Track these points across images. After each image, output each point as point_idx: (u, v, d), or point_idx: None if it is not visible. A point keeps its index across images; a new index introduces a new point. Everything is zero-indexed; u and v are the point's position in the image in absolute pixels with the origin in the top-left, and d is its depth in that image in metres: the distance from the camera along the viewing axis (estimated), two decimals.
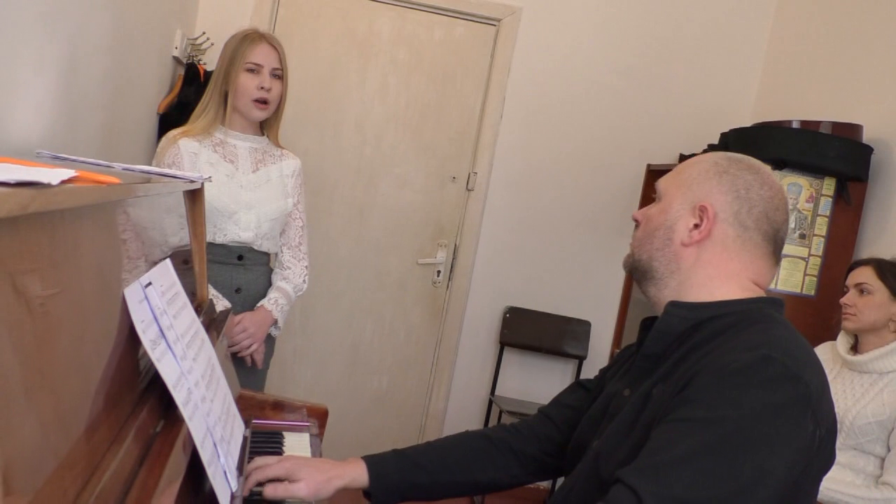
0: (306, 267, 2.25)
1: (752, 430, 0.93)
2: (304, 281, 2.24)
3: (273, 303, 2.14)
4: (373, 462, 1.29)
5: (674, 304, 1.12)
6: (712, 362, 0.99)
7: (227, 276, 2.11)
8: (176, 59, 3.01)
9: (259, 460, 1.26)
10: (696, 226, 1.11)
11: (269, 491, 1.19)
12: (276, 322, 2.15)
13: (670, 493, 0.91)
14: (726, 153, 1.17)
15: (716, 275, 1.12)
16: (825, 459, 1.03)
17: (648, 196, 3.48)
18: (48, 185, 0.64)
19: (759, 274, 1.13)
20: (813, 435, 0.97)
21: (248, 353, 2.10)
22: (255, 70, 2.09)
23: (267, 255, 2.21)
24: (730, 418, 0.93)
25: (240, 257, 2.13)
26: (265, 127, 2.21)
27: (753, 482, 0.92)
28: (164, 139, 2.15)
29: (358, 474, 1.27)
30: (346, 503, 1.27)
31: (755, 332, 1.03)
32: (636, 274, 1.20)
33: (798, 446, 0.95)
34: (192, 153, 2.08)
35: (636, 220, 1.21)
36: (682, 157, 3.41)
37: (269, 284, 2.21)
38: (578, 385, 1.41)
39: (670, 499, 0.90)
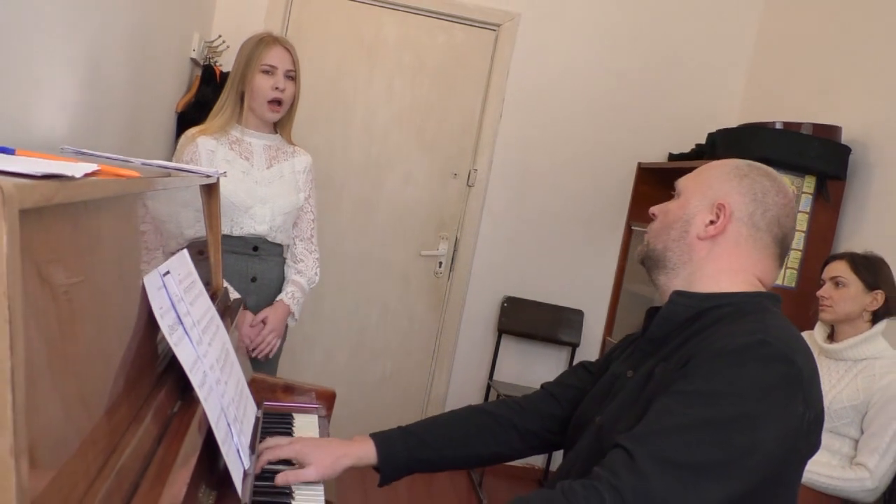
0: (317, 259, 2.26)
1: (746, 405, 0.94)
2: (316, 273, 2.24)
3: (290, 296, 2.15)
4: (381, 440, 1.29)
5: (679, 294, 1.13)
6: (712, 343, 1.01)
7: (243, 265, 2.12)
8: (193, 60, 3.01)
9: (270, 441, 1.26)
10: (713, 222, 1.13)
11: (281, 479, 1.19)
12: (292, 314, 2.17)
13: (663, 455, 0.92)
14: (748, 161, 1.18)
15: (725, 268, 1.13)
16: (812, 444, 1.03)
17: (639, 193, 3.48)
18: (72, 178, 0.64)
19: (764, 273, 1.14)
20: (802, 416, 0.97)
21: (273, 350, 2.12)
22: (269, 71, 2.09)
23: (280, 246, 2.22)
24: (725, 393, 0.94)
25: (255, 248, 2.14)
26: (279, 125, 2.21)
27: (742, 454, 0.93)
28: (183, 137, 2.14)
29: (365, 453, 1.27)
30: (352, 480, 1.27)
31: (752, 320, 1.05)
32: (649, 262, 1.20)
33: (788, 424, 0.96)
34: (210, 150, 2.08)
35: (653, 214, 1.22)
36: (672, 157, 3.41)
37: (283, 273, 2.22)
38: (582, 366, 1.41)
39: (662, 461, 0.91)
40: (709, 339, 1.03)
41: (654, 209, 1.23)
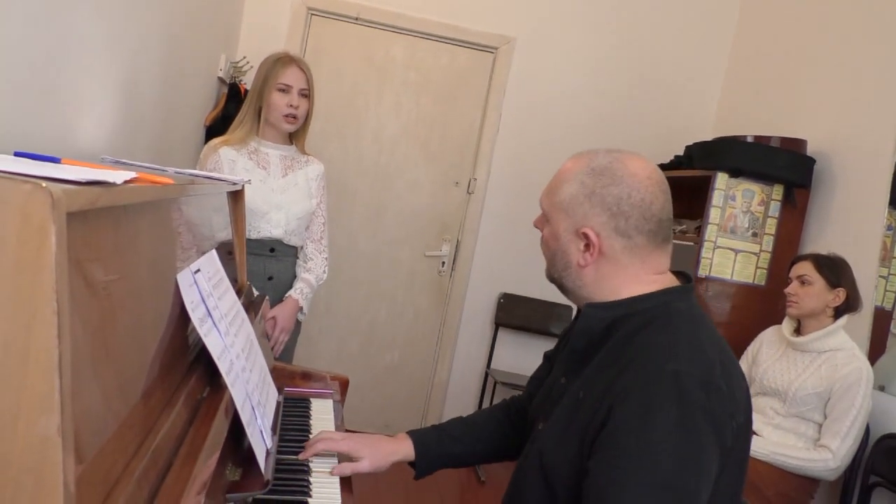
0: (326, 259, 2.22)
1: (681, 449, 0.87)
2: (324, 271, 2.21)
3: (299, 293, 2.12)
4: (417, 437, 1.29)
5: (590, 306, 1.04)
6: (628, 387, 0.91)
7: (260, 265, 2.10)
8: (220, 79, 3.00)
9: (326, 433, 1.27)
10: (587, 246, 1.02)
11: (337, 471, 1.20)
12: (301, 309, 2.14)
13: None
14: (590, 163, 1.03)
15: (619, 282, 1.03)
16: (745, 437, 0.97)
17: None
18: (113, 184, 0.63)
19: (656, 266, 1.03)
20: (731, 427, 0.92)
21: (280, 344, 2.11)
22: (285, 90, 2.06)
23: (295, 248, 2.19)
24: (660, 447, 0.87)
25: (272, 250, 2.12)
26: (294, 137, 2.19)
27: (696, 489, 0.87)
28: (206, 147, 2.12)
29: (408, 450, 1.27)
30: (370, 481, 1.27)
31: (660, 342, 0.95)
32: (555, 285, 1.11)
33: (722, 443, 0.90)
34: (231, 160, 2.07)
35: (536, 227, 1.12)
36: None
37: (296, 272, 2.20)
38: (545, 357, 1.37)
39: None
40: (624, 375, 0.93)
41: (535, 222, 1.12)
